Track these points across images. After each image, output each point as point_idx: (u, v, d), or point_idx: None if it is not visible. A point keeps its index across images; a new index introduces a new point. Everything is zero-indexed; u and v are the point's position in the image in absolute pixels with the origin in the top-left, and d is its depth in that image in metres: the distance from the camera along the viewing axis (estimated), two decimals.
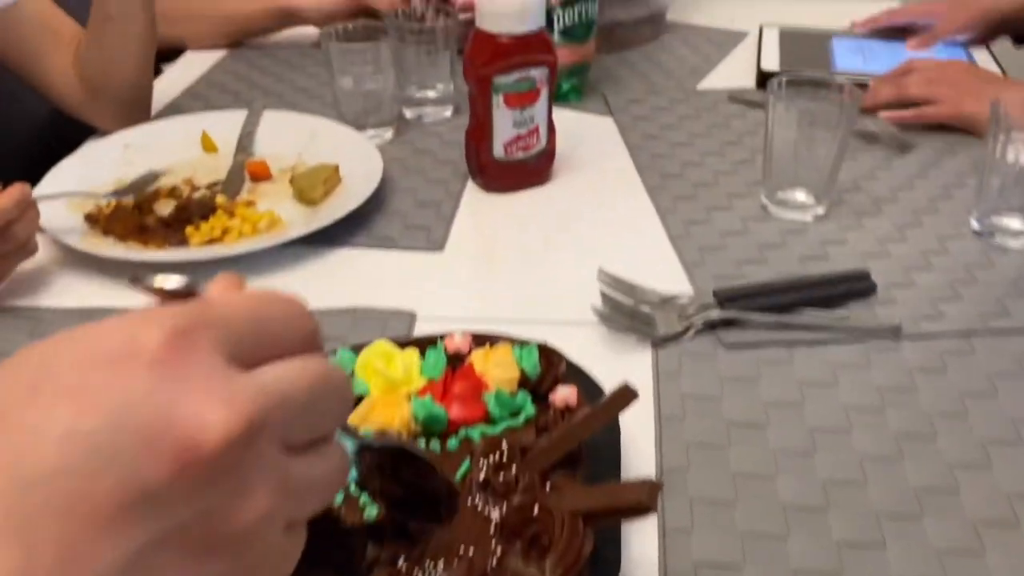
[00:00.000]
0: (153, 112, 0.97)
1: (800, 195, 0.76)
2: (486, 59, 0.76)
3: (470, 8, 0.81)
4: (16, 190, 0.63)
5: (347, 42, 0.87)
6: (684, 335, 0.62)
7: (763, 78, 0.94)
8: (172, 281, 0.26)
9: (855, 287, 0.66)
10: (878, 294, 0.66)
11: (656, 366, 0.60)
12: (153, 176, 0.81)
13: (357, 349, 0.53)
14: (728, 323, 0.63)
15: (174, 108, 0.99)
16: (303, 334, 0.27)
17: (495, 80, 0.77)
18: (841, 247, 0.72)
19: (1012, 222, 0.72)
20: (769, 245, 0.73)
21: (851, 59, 1.03)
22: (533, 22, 0.76)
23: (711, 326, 0.63)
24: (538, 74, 0.78)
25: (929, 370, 0.60)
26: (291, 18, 1.15)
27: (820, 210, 0.76)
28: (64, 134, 0.94)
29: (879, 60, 1.01)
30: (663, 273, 0.69)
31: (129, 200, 0.77)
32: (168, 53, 1.18)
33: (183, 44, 1.18)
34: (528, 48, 0.77)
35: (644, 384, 0.57)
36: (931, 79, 0.89)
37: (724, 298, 0.64)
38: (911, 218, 0.76)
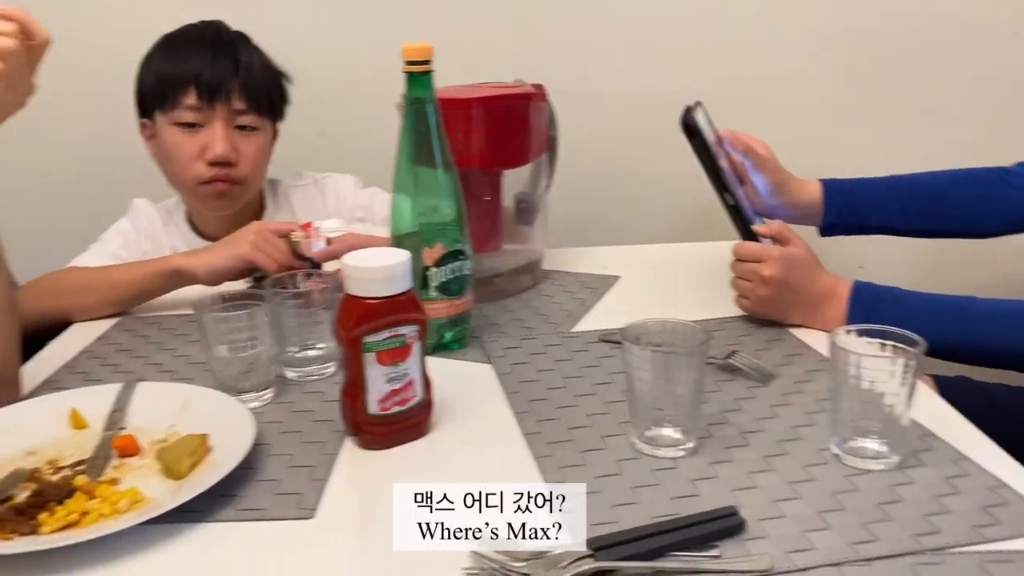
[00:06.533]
0: (28, 390, 0.95)
1: (668, 431, 0.78)
2: (355, 322, 0.79)
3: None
4: None
5: (222, 311, 0.89)
6: None
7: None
8: None
9: (725, 525, 0.67)
10: (749, 529, 0.66)
11: None
12: (17, 477, 0.75)
13: None
14: (603, 573, 0.62)
15: (50, 385, 0.97)
16: None
17: (365, 340, 0.79)
18: (711, 483, 0.73)
19: (869, 444, 0.75)
20: (642, 486, 0.73)
21: None
22: (400, 285, 0.80)
23: None
24: (408, 331, 0.81)
25: None
26: (181, 278, 1.16)
27: (690, 445, 0.78)
28: None
29: None
30: (539, 523, 0.68)
31: None
32: (55, 328, 1.17)
33: (70, 317, 1.17)
34: (396, 309, 0.80)
35: None
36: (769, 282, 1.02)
37: (597, 547, 0.64)
38: (776, 448, 0.78)
